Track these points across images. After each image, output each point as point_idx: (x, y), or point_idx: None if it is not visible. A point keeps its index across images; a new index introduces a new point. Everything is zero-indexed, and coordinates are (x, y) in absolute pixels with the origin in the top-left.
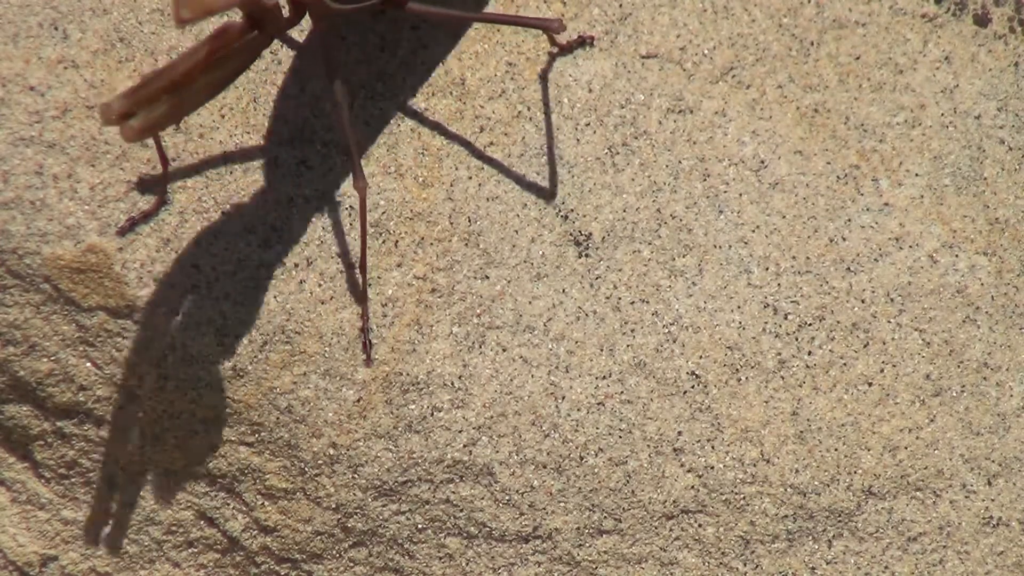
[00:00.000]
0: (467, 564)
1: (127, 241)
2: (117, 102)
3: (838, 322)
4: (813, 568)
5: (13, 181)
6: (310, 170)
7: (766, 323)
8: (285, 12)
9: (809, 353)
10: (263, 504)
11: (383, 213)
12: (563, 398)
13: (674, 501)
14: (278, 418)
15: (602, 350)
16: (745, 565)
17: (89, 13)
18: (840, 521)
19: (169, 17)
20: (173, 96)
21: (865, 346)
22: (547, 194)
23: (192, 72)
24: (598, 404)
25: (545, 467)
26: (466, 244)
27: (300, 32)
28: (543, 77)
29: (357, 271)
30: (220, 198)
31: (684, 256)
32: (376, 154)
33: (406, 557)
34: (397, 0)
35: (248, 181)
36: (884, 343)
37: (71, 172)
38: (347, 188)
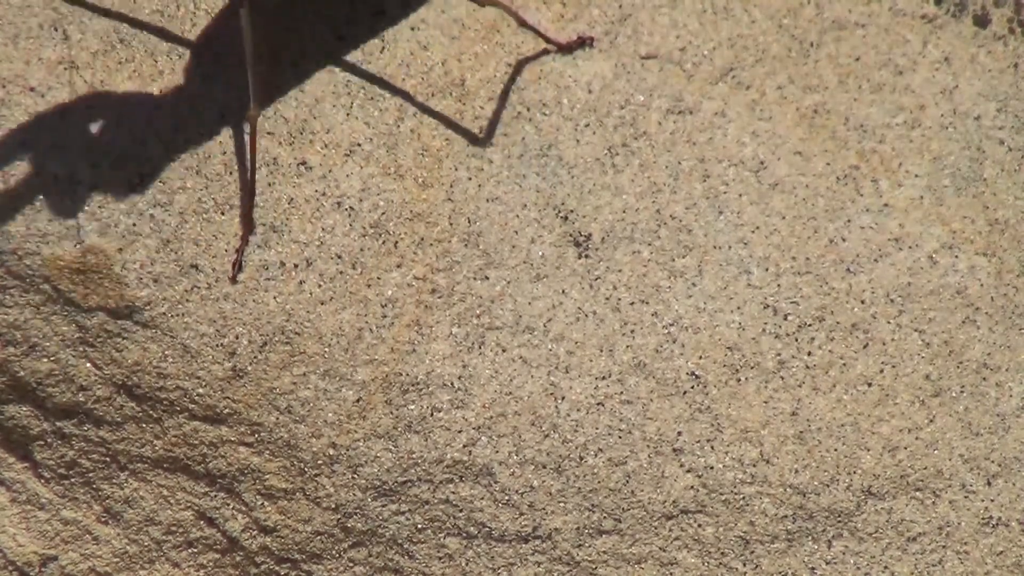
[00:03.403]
0: (467, 564)
1: (127, 242)
2: None
3: (838, 323)
4: (813, 568)
5: (12, 180)
6: (309, 170)
7: (766, 324)
8: None
9: (809, 354)
10: (263, 504)
11: (383, 214)
12: (563, 398)
13: (674, 501)
14: (278, 418)
15: (602, 351)
16: (745, 565)
17: (89, 14)
18: (840, 521)
19: (169, 17)
20: None
21: (865, 347)
22: (547, 195)
23: None
24: (598, 404)
25: (545, 467)
26: (466, 245)
27: (298, 37)
28: (517, 68)
29: (242, 194)
30: (220, 199)
31: (684, 257)
32: (376, 155)
33: (406, 557)
34: None
35: (247, 168)
36: (884, 344)
37: (71, 173)
38: (347, 189)
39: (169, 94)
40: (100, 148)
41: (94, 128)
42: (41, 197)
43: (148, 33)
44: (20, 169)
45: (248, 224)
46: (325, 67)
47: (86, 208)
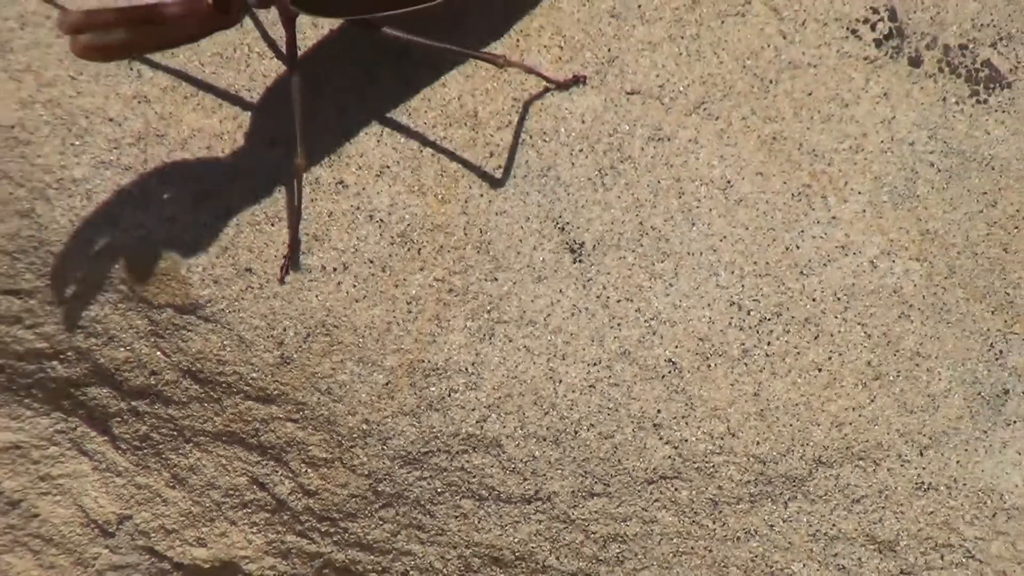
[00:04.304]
0: (479, 522)
1: (190, 247)
2: (75, 15)
3: (792, 317)
4: (772, 526)
5: (95, 198)
6: (346, 188)
7: (732, 318)
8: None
9: (768, 344)
10: (306, 471)
11: (408, 225)
12: (560, 382)
13: (654, 469)
14: (319, 399)
15: (593, 341)
16: (714, 523)
17: (159, 56)
18: (794, 486)
19: (227, 59)
20: (128, 32)
21: (816, 337)
22: (546, 209)
23: (152, 19)
24: (589, 387)
25: (545, 440)
26: (478, 251)
27: (338, 69)
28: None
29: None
30: (270, 212)
31: (662, 262)
32: (402, 175)
33: (427, 516)
34: (370, 21)
35: (294, 198)
36: (831, 335)
37: (144, 190)
38: (378, 204)
39: (229, 133)
40: (170, 173)
41: (164, 154)
42: (119, 211)
43: (209, 72)
44: (101, 188)
45: (295, 236)
46: (360, 103)
47: (157, 219)
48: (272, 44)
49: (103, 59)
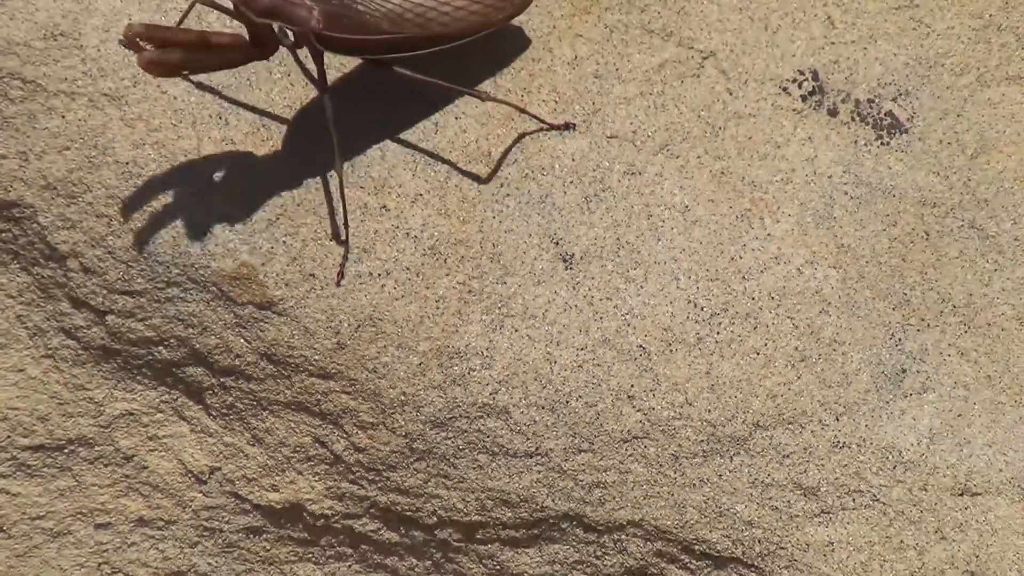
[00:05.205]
0: (491, 472)
1: (267, 259)
2: (140, 26)
3: (736, 312)
4: (720, 475)
5: (191, 220)
6: (388, 211)
7: (689, 313)
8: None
9: (717, 333)
10: (357, 432)
11: (436, 240)
12: (555, 363)
13: (628, 431)
14: (367, 376)
15: (580, 331)
16: (675, 473)
17: (241, 108)
18: (738, 444)
19: (303, 114)
20: (185, 53)
21: (755, 328)
22: (544, 228)
23: (204, 45)
24: (578, 366)
25: (543, 408)
26: (491, 261)
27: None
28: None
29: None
30: (329, 231)
31: (635, 269)
32: (432, 201)
33: (451, 468)
34: (383, 61)
35: (345, 219)
36: (767, 327)
37: (230, 213)
38: (413, 224)
39: (297, 167)
40: (250, 197)
41: (246, 185)
42: (210, 229)
43: (283, 122)
44: (196, 211)
45: (347, 249)
46: (398, 146)
47: (240, 236)
48: (307, 72)
49: (161, 74)
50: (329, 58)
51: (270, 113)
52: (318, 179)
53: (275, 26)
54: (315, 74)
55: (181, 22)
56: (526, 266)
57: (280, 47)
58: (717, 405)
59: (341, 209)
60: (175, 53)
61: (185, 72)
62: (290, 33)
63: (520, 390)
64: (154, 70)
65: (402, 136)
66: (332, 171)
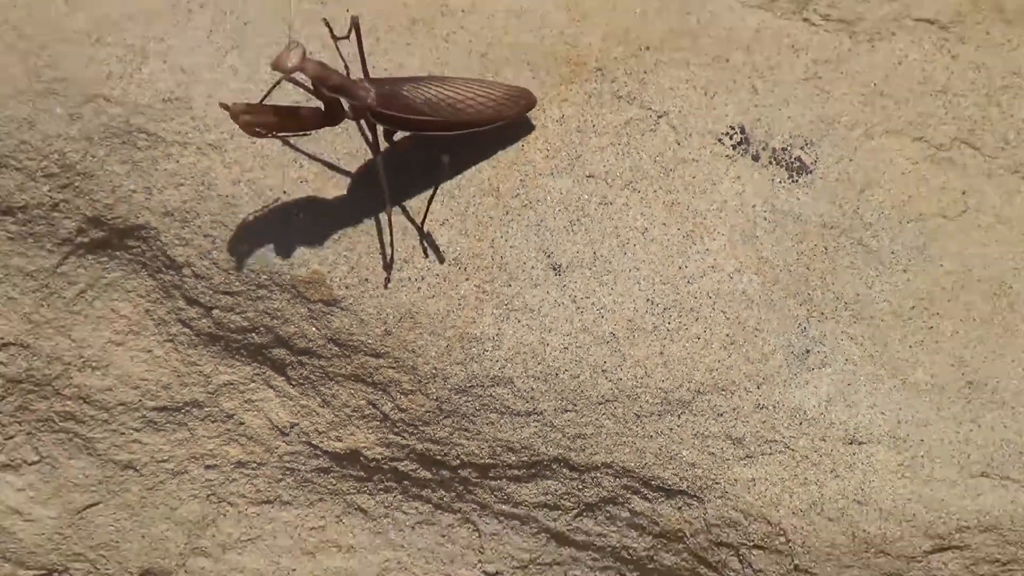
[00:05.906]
0: (500, 427)
1: (332, 267)
2: (241, 105)
3: (683, 307)
4: (671, 429)
5: (277, 239)
6: (422, 232)
7: (647, 308)
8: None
9: (668, 323)
10: (399, 397)
11: (459, 253)
12: (548, 345)
13: (602, 396)
14: (407, 355)
15: (566, 322)
16: (637, 427)
17: (305, 158)
18: (683, 406)
19: (353, 157)
20: (275, 118)
21: (696, 320)
22: (539, 244)
23: (293, 114)
24: (564, 348)
25: (538, 379)
26: (499, 269)
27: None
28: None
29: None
30: (378, 247)
31: (607, 275)
32: (455, 224)
33: (471, 423)
34: (422, 135)
35: (390, 238)
36: (706, 319)
37: (305, 233)
38: (442, 242)
39: (352, 199)
40: (320, 223)
41: (318, 213)
42: (290, 245)
43: (347, 167)
44: (281, 234)
45: (391, 260)
46: (431, 184)
47: (312, 250)
48: (365, 137)
49: (256, 135)
50: (381, 128)
51: (334, 162)
52: (371, 208)
53: (343, 101)
54: (371, 138)
55: (268, 95)
56: (526, 273)
57: (345, 118)
58: (668, 377)
59: (388, 231)
60: (265, 117)
61: (275, 134)
62: (352, 108)
63: (521, 366)
64: (249, 130)
65: (431, 177)
66: (382, 205)
